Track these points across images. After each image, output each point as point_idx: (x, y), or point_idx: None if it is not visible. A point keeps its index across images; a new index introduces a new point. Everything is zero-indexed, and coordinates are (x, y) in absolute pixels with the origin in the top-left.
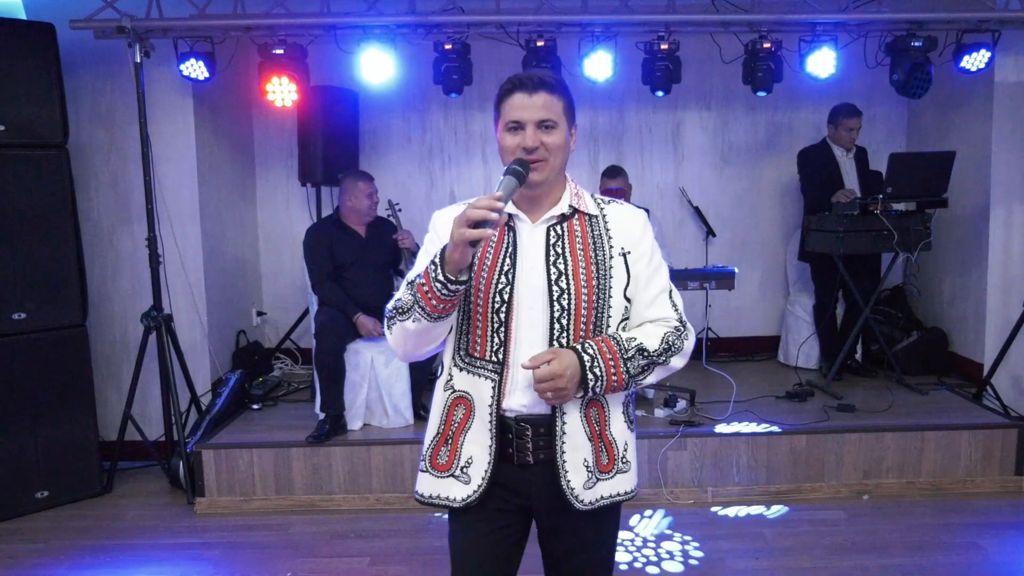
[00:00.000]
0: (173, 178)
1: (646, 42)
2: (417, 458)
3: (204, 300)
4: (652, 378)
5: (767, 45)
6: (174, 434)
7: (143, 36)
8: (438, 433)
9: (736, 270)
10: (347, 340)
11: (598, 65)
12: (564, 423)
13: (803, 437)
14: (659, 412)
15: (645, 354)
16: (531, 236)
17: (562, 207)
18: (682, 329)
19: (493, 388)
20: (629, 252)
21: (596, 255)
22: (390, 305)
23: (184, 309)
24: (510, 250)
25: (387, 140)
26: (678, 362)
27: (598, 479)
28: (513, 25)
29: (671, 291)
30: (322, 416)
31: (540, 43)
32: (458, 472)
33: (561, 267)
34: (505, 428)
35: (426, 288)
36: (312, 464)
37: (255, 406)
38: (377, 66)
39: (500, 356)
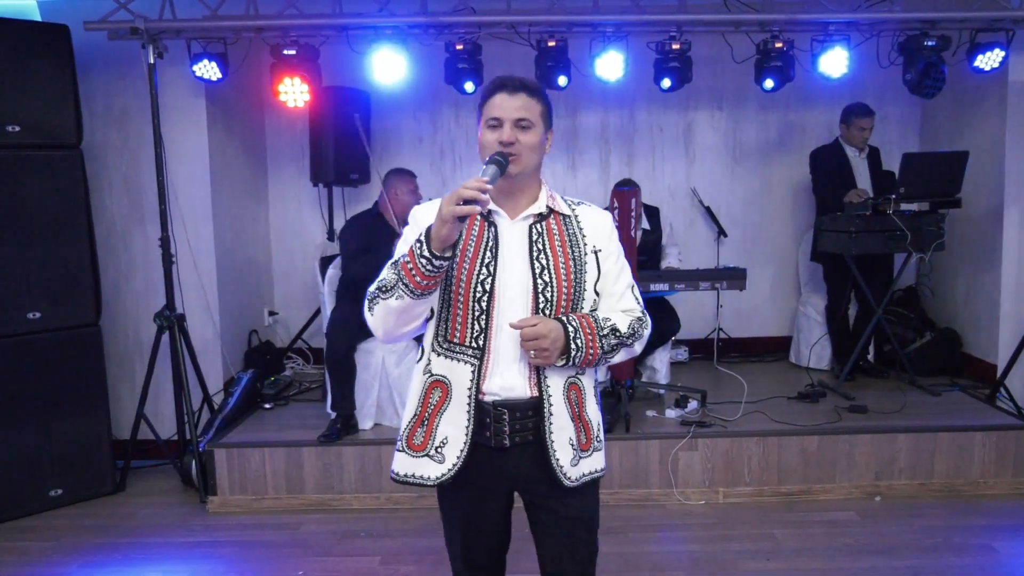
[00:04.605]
0: (186, 178)
1: (657, 42)
2: None
3: (216, 300)
4: (617, 358)
5: (779, 45)
6: (187, 433)
7: (156, 37)
8: (415, 415)
9: (747, 270)
10: (358, 340)
11: (609, 65)
12: (551, 404)
13: (815, 438)
14: (670, 413)
15: (617, 334)
16: (511, 231)
17: (540, 207)
18: (644, 319)
19: (472, 372)
20: (600, 250)
21: (573, 252)
22: (372, 287)
23: (197, 309)
24: (490, 244)
25: (398, 140)
26: (638, 347)
27: (580, 457)
28: (524, 25)
29: (633, 286)
30: (333, 416)
31: (551, 43)
32: (433, 452)
33: (543, 262)
34: (483, 412)
35: (411, 265)
36: (323, 463)
37: (267, 405)
38: (389, 66)
39: (480, 342)
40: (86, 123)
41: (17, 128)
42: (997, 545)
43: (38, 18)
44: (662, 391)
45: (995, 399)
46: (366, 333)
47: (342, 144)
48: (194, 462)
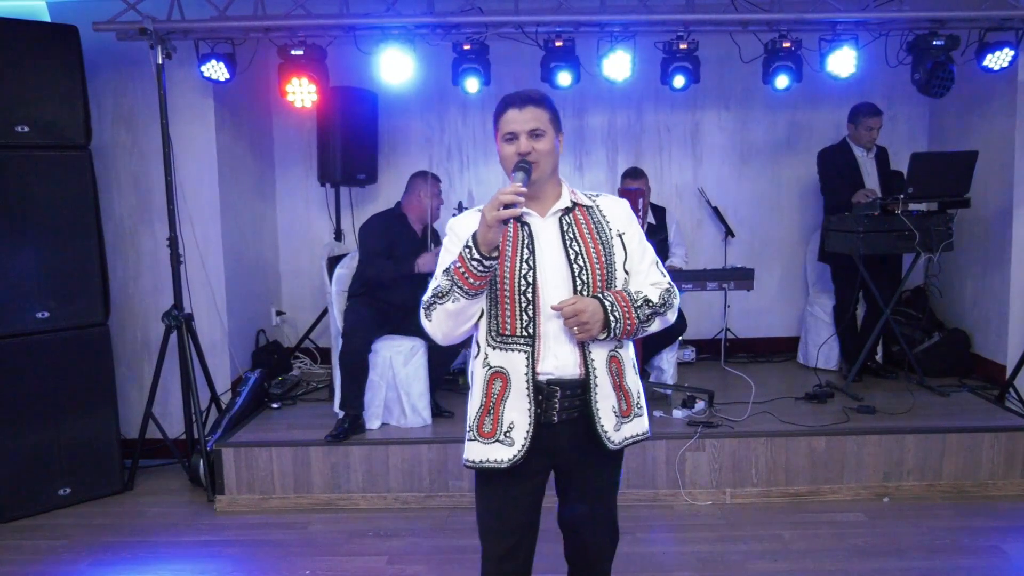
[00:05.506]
0: (194, 178)
1: (665, 42)
2: (435, 457)
3: (224, 299)
4: (654, 327)
5: (787, 44)
6: (194, 432)
7: (165, 38)
8: (481, 405)
9: (755, 270)
10: (373, 340)
11: (617, 65)
12: (596, 377)
13: (822, 439)
14: (677, 413)
15: (650, 304)
16: (544, 227)
17: (564, 202)
18: (672, 289)
19: (527, 358)
20: (624, 233)
21: (600, 237)
22: (427, 296)
23: (204, 308)
24: (527, 241)
25: (406, 141)
26: (671, 316)
27: (622, 423)
28: (531, 25)
29: (657, 261)
30: (341, 415)
31: (558, 43)
32: (502, 437)
33: (576, 248)
34: (538, 391)
35: (463, 270)
36: (331, 463)
37: (274, 405)
38: (396, 67)
39: (531, 330)
40: (95, 123)
41: (27, 128)
42: (1006, 547)
43: (47, 19)
44: (669, 391)
45: (1004, 400)
46: (381, 332)
47: (349, 144)
48: (202, 461)
